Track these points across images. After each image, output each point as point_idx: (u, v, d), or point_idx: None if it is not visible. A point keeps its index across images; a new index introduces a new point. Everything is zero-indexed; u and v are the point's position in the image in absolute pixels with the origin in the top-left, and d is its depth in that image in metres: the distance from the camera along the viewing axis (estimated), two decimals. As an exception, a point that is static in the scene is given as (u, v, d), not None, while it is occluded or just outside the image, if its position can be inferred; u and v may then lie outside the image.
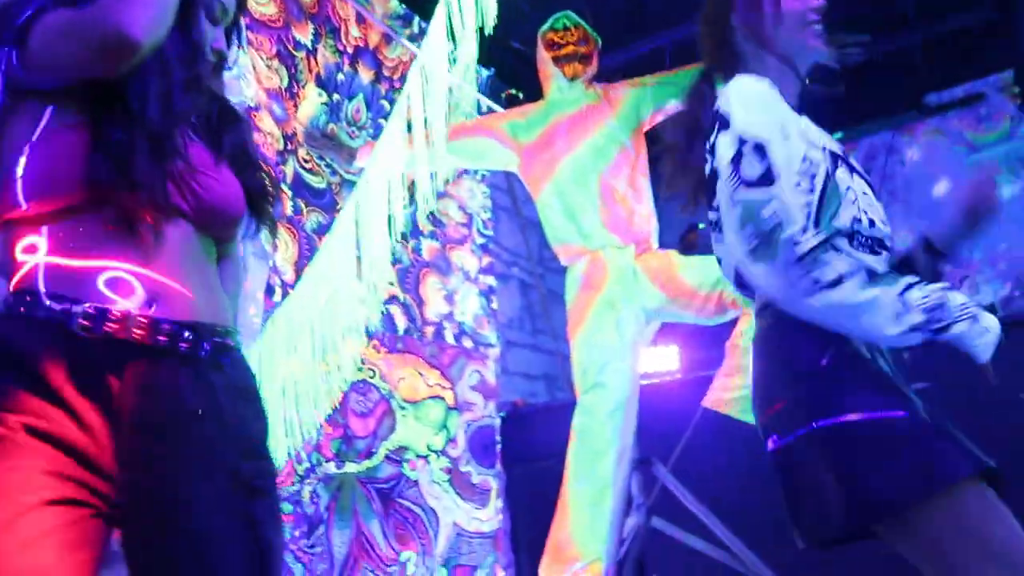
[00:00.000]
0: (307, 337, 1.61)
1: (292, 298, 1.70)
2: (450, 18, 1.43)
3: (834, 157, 1.35)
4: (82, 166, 0.92)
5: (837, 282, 1.17)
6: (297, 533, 2.30)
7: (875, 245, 1.32)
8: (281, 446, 1.61)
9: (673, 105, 2.56)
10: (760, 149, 1.32)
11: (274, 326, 1.67)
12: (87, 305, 0.90)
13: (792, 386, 1.26)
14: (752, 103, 1.37)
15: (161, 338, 0.94)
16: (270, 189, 1.13)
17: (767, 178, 1.28)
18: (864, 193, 1.34)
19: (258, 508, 0.96)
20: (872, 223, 1.31)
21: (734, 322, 2.35)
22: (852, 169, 1.34)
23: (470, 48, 1.45)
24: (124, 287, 0.93)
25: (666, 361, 3.42)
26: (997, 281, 3.85)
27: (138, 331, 0.92)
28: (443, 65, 1.45)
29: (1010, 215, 3.91)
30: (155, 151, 0.95)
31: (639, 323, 2.42)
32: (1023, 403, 2.29)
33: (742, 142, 1.33)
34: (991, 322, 1.18)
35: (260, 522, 0.96)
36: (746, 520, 2.48)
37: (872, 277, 1.20)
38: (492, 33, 1.50)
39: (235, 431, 0.98)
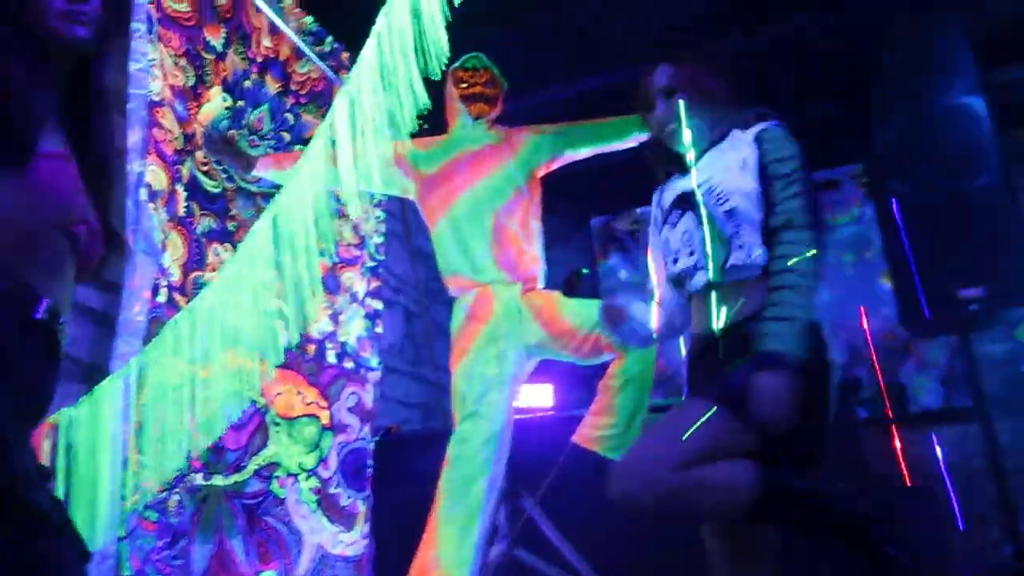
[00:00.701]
0: (216, 344, 1.58)
1: (195, 307, 1.66)
2: (381, 52, 1.47)
3: (662, 218, 1.81)
4: None
5: None
6: (160, 543, 2.21)
7: (676, 281, 1.76)
8: (172, 452, 1.57)
9: (569, 155, 2.71)
10: None
11: (176, 328, 1.63)
12: None
13: None
14: None
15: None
16: None
17: None
18: (667, 240, 1.78)
19: None
20: (675, 261, 1.74)
21: (608, 364, 2.48)
22: (675, 221, 1.75)
23: (419, 91, 1.49)
24: None
25: (541, 398, 3.54)
26: (838, 349, 4.26)
27: None
28: (375, 97, 1.49)
29: (851, 288, 4.39)
30: None
31: (520, 358, 2.51)
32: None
33: None
34: None
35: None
36: (606, 555, 2.59)
37: None
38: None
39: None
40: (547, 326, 2.48)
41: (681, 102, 1.74)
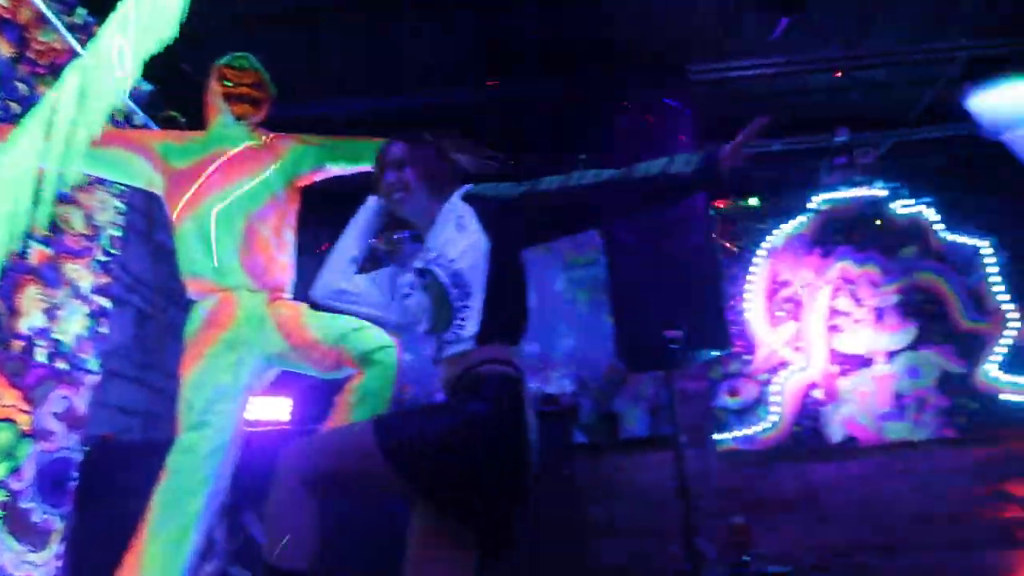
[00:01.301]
0: None
1: None
2: (121, 31, 1.40)
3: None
4: None
5: None
6: None
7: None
8: None
9: (332, 168, 2.71)
10: None
11: None
12: None
13: None
14: None
15: None
16: None
17: None
18: (405, 306, 1.91)
19: None
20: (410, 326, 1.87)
21: (348, 379, 2.49)
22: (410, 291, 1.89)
23: (133, 65, 1.42)
24: None
25: (278, 412, 3.45)
26: (567, 379, 4.64)
27: None
28: (108, 72, 1.40)
29: (583, 324, 4.81)
30: None
31: (258, 367, 2.44)
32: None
33: None
34: None
35: None
36: (327, 572, 2.56)
37: None
38: (162, 50, 1.48)
39: None
40: (290, 337, 2.44)
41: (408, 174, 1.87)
